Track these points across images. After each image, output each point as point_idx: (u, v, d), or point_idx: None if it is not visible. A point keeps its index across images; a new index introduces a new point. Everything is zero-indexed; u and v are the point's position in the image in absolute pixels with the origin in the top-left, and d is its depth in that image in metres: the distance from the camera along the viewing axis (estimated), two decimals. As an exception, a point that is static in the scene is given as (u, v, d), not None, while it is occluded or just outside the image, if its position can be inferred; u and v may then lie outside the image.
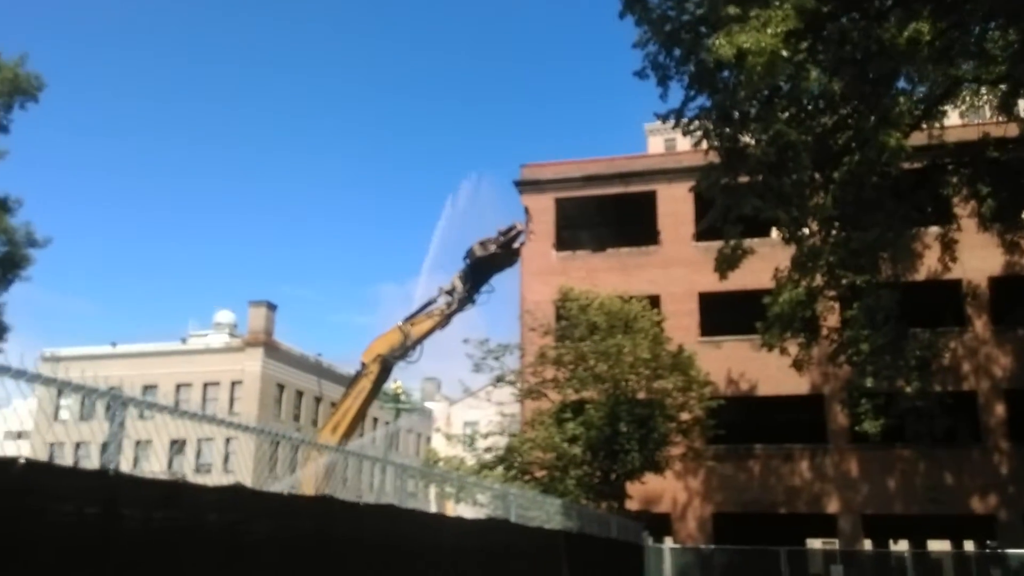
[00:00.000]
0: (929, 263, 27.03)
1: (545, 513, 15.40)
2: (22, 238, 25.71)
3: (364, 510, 7.22)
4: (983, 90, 21.40)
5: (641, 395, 23.24)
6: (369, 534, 6.97)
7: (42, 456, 43.99)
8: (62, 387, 4.20)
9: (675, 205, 30.70)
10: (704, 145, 17.71)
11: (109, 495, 4.22)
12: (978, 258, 26.97)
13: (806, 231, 20.22)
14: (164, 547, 4.64)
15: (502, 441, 23.72)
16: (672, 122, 17.35)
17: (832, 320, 23.53)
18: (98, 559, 4.11)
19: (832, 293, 22.06)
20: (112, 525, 4.24)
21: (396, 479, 8.71)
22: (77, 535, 3.96)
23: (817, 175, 18.56)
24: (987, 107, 23.89)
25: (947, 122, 23.56)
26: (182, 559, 4.77)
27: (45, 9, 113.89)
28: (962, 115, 25.26)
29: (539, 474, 22.05)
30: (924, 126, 20.91)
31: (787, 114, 17.45)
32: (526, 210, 33.52)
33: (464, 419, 57.83)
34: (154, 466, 38.13)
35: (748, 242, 19.68)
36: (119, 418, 4.29)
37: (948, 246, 23.16)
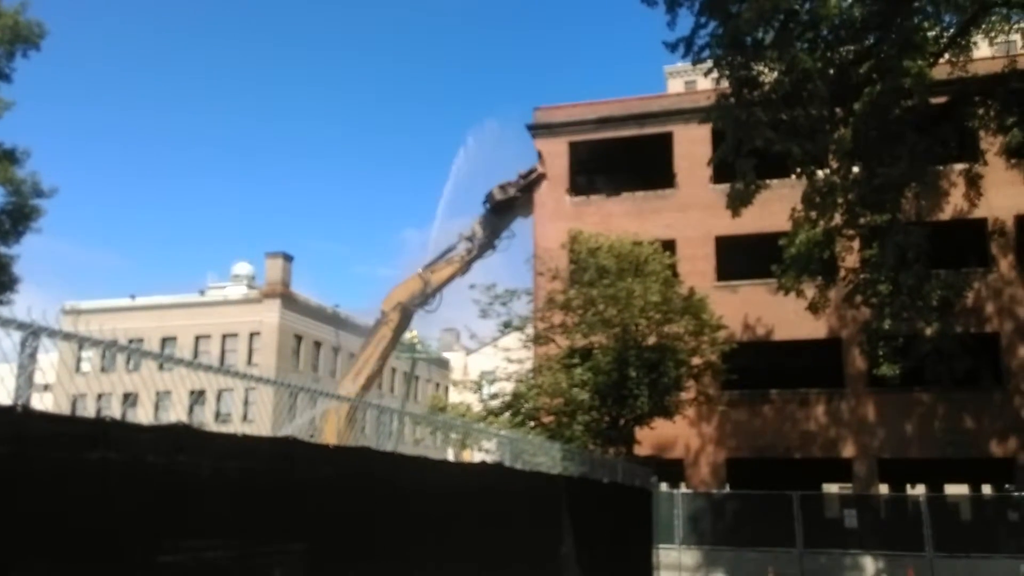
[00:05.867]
0: (954, 201, 26.34)
1: (550, 459, 15.18)
2: (28, 189, 25.50)
3: (333, 453, 6.99)
4: (1014, 16, 20.39)
5: (651, 340, 22.82)
6: (337, 477, 6.74)
7: (65, 408, 44.73)
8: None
9: (692, 147, 29.87)
10: (716, 75, 17.03)
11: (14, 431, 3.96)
12: (1005, 196, 26.15)
13: (822, 168, 19.53)
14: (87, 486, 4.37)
15: (509, 387, 23.47)
16: (682, 51, 16.67)
17: (851, 261, 22.89)
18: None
19: (851, 232, 21.40)
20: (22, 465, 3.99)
21: (376, 422, 8.44)
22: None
23: (838, 109, 17.82)
24: (1019, 36, 22.81)
25: (975, 54, 22.56)
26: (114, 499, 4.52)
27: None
28: (991, 43, 24.20)
29: (546, 420, 21.84)
30: (949, 56, 19.97)
31: (805, 43, 16.68)
32: (539, 154, 32.84)
33: (482, 368, 58.14)
34: (171, 416, 38.55)
35: (767, 182, 18.97)
36: (28, 349, 3.99)
37: (973, 182, 22.36)
